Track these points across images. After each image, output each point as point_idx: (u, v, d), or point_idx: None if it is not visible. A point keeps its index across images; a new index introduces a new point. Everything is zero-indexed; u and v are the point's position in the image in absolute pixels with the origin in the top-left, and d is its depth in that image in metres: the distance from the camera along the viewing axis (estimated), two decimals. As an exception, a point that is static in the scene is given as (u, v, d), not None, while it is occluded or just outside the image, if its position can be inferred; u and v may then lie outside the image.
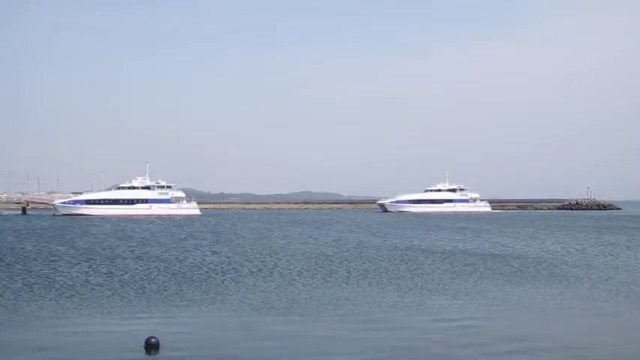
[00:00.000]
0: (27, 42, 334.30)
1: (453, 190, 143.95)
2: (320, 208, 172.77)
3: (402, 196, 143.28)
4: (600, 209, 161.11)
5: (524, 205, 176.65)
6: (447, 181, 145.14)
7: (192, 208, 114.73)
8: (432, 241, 49.40)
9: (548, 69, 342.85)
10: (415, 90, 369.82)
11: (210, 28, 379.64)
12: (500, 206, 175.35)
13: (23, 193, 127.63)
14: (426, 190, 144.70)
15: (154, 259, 34.81)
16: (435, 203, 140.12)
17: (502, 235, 57.83)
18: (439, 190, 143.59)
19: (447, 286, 25.09)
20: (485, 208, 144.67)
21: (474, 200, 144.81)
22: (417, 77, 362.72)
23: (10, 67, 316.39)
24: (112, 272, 29.13)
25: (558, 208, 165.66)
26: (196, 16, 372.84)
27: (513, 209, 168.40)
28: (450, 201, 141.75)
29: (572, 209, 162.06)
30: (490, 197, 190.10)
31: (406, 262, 33.78)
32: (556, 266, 32.35)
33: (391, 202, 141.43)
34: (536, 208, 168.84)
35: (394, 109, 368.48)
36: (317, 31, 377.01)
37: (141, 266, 31.62)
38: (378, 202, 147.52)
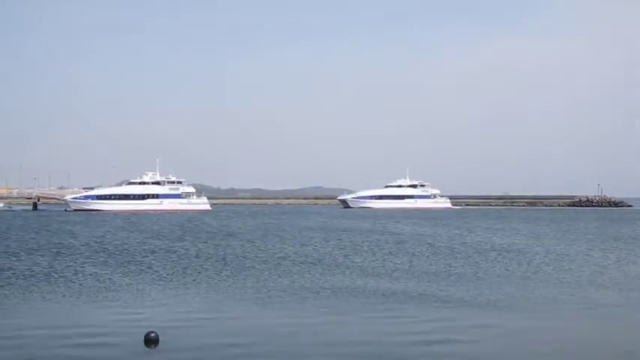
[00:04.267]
0: (39, 36, 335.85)
1: (414, 186, 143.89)
2: (329, 204, 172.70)
3: (364, 192, 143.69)
4: (611, 206, 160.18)
5: (533, 201, 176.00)
6: (408, 177, 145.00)
7: (202, 204, 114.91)
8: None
9: (558, 64, 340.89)
10: (426, 85, 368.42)
11: (219, 22, 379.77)
12: (511, 203, 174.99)
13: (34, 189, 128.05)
14: (387, 186, 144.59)
15: (163, 252, 34.92)
16: (397, 199, 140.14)
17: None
18: (400, 186, 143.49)
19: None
20: (445, 204, 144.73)
21: (435, 196, 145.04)
22: (428, 71, 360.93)
23: (22, 62, 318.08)
24: (117, 264, 29.18)
25: (568, 205, 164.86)
26: (206, 13, 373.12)
27: (523, 206, 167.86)
28: (412, 197, 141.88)
29: (582, 206, 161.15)
30: (501, 194, 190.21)
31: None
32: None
33: (353, 198, 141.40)
34: (545, 205, 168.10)
35: (406, 104, 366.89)
36: (323, 26, 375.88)
37: (147, 258, 31.70)
38: (340, 197, 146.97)
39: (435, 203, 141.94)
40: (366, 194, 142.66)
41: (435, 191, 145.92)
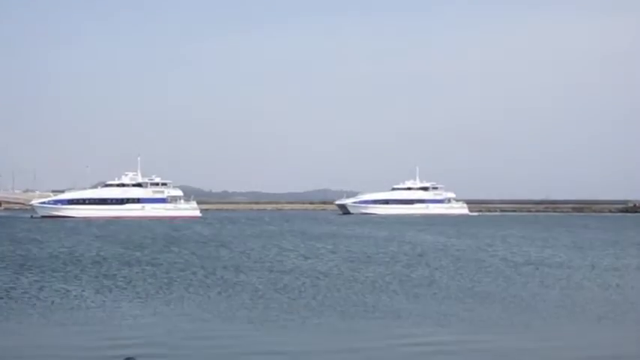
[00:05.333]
0: (9, 25, 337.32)
1: (425, 189, 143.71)
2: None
3: (367, 196, 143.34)
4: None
5: (580, 207, 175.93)
6: (418, 177, 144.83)
7: (191, 209, 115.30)
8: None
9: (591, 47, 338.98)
10: (444, 76, 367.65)
11: (214, 10, 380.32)
12: (553, 208, 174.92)
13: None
14: (393, 189, 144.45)
15: (143, 265, 35.25)
16: (405, 204, 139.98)
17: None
18: (409, 189, 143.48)
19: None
20: (462, 210, 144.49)
21: (449, 201, 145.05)
22: (447, 58, 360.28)
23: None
24: (90, 279, 29.47)
25: (620, 211, 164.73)
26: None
27: (568, 212, 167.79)
28: (422, 201, 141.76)
29: (637, 212, 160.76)
30: (543, 197, 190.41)
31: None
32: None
33: (354, 203, 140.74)
34: (594, 211, 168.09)
35: (424, 96, 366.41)
36: (326, 18, 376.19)
37: (125, 272, 31.99)
38: (337, 202, 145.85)
39: (449, 209, 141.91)
40: (369, 198, 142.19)
41: (450, 195, 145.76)
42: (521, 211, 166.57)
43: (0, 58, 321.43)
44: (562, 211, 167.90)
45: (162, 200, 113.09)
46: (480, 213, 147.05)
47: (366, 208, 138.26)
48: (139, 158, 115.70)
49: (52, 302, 23.67)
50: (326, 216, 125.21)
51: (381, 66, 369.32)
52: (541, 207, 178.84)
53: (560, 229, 79.98)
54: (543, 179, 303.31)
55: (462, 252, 45.96)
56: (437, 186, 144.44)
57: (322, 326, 19.86)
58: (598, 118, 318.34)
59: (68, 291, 26.36)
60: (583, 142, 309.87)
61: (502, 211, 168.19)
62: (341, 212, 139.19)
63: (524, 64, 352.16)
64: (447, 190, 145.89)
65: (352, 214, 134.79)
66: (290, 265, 36.31)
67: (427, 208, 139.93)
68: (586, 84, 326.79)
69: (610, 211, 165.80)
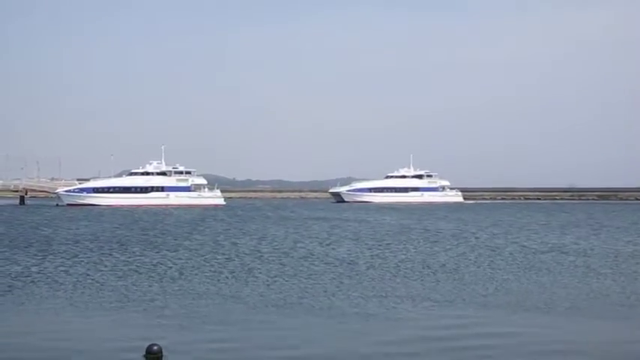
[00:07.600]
0: (30, 9, 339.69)
1: (419, 177, 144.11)
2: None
3: (361, 184, 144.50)
4: None
5: (606, 194, 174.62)
6: (412, 166, 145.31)
7: (215, 197, 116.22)
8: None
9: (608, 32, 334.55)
10: (472, 56, 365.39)
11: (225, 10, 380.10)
12: (579, 196, 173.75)
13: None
14: (387, 177, 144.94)
15: (166, 251, 35.65)
16: (400, 192, 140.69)
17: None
18: (403, 177, 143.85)
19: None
20: (456, 197, 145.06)
21: (444, 189, 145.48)
22: (468, 41, 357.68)
23: (6, 37, 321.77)
24: (113, 265, 29.90)
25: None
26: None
27: (593, 199, 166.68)
28: (417, 189, 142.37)
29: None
30: (567, 185, 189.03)
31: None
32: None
33: (348, 191, 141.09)
34: (620, 199, 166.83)
35: (450, 81, 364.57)
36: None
37: (148, 259, 32.41)
38: (331, 190, 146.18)
39: (444, 197, 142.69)
40: (364, 186, 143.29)
41: (444, 182, 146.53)
42: (545, 199, 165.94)
43: (24, 51, 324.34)
44: (587, 199, 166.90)
45: (187, 189, 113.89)
46: (475, 201, 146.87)
47: (360, 196, 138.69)
48: (163, 147, 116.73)
49: (74, 286, 24.12)
50: (316, 204, 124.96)
51: (401, 54, 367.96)
52: (566, 195, 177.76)
53: (581, 216, 79.74)
54: (569, 167, 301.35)
55: (479, 239, 45.98)
56: (431, 174, 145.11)
57: (333, 310, 20.09)
58: (622, 106, 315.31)
59: (89, 275, 26.86)
60: (609, 130, 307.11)
61: (526, 199, 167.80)
62: (335, 200, 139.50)
63: (539, 53, 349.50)
64: (441, 177, 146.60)
65: (347, 202, 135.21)
66: (308, 252, 36.54)
67: (422, 196, 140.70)
68: (608, 72, 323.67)
69: (636, 199, 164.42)
